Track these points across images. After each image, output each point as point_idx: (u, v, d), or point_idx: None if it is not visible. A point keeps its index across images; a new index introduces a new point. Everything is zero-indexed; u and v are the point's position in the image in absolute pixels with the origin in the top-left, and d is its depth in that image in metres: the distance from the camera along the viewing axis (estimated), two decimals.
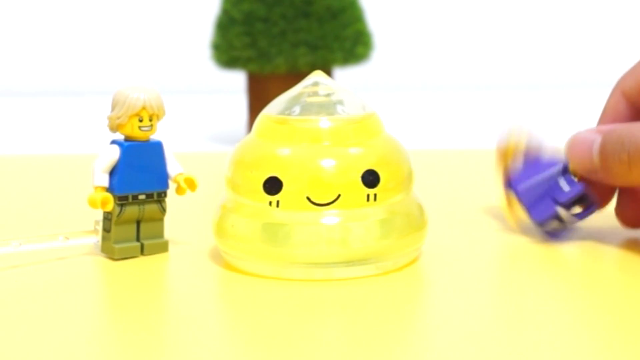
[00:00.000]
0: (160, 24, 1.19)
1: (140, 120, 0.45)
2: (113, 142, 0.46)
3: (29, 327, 0.38)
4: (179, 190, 0.47)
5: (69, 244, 0.46)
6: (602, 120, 0.50)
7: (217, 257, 0.46)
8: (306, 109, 0.45)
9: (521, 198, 0.49)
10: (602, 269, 0.46)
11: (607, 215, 0.50)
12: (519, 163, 0.49)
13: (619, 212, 0.49)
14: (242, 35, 0.77)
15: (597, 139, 0.47)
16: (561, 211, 0.48)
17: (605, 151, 0.46)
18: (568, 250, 0.48)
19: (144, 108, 0.45)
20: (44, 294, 0.42)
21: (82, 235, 0.46)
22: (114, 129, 0.46)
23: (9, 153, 0.81)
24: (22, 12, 1.19)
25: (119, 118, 0.45)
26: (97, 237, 0.46)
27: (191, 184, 0.47)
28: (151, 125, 0.45)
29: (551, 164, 0.49)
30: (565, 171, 0.48)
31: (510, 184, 0.49)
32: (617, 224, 0.49)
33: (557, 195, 0.48)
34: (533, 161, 0.49)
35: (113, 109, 0.45)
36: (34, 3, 1.19)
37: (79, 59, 1.20)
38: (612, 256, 0.47)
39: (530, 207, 0.49)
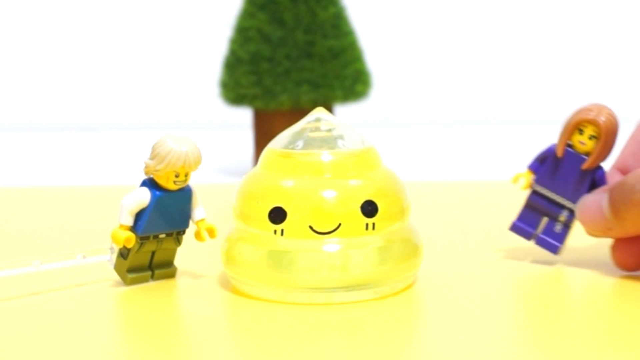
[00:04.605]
0: (173, 63, 1.20)
1: (177, 176, 0.45)
2: (144, 184, 0.45)
3: (41, 354, 0.38)
4: (199, 236, 0.46)
5: (87, 262, 0.46)
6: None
7: (226, 283, 0.46)
8: (309, 144, 0.45)
9: (531, 195, 0.48)
10: (600, 298, 0.45)
11: (602, 244, 0.50)
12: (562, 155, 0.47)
13: (617, 257, 0.47)
14: (248, 74, 0.78)
15: (604, 195, 0.45)
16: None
17: (614, 201, 0.45)
18: (565, 277, 0.47)
19: (182, 167, 0.44)
20: (56, 322, 0.42)
21: (99, 253, 0.46)
22: (149, 174, 0.45)
23: (29, 185, 0.81)
24: (43, 53, 1.21)
25: (156, 170, 0.44)
26: (112, 256, 0.46)
27: (211, 233, 0.46)
28: (185, 180, 0.45)
29: (573, 192, 0.47)
30: (569, 219, 0.48)
31: (535, 167, 0.48)
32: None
33: (546, 229, 0.48)
34: (571, 164, 0.47)
35: (152, 158, 0.44)
36: (55, 45, 1.20)
37: (97, 97, 1.21)
38: (608, 284, 0.46)
39: (525, 209, 0.49)
